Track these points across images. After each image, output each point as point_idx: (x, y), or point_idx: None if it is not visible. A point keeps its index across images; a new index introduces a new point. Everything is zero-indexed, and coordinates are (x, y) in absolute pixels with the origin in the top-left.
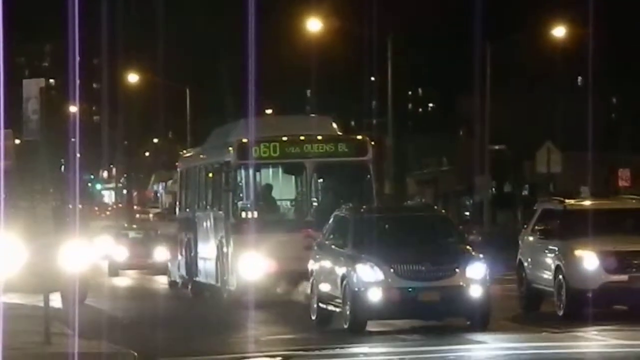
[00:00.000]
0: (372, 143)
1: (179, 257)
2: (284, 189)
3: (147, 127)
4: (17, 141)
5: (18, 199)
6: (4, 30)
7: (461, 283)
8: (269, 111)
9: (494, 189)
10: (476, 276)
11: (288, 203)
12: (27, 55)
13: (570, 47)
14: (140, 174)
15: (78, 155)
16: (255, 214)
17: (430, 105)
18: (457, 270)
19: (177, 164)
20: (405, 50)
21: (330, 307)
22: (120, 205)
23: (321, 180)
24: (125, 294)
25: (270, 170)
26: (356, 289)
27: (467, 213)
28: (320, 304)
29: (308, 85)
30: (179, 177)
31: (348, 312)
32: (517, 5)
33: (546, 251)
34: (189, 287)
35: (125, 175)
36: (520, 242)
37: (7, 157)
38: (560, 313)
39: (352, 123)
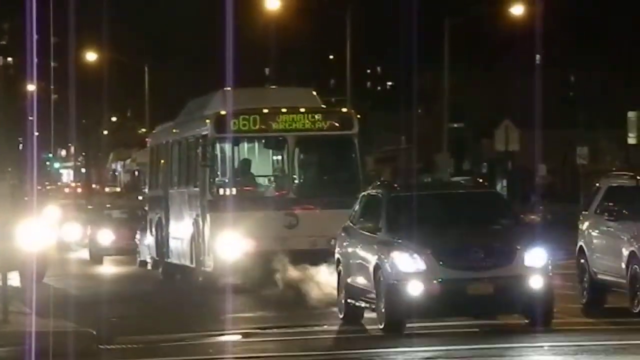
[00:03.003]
0: (358, 116)
1: (149, 237)
2: (264, 164)
3: (106, 106)
4: None
5: None
6: None
7: (519, 273)
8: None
9: (452, 167)
10: (536, 264)
11: (269, 179)
12: None
13: (529, 25)
14: (99, 152)
15: (36, 133)
16: (234, 190)
17: (389, 83)
18: (513, 257)
19: (147, 139)
20: (364, 27)
21: (362, 304)
22: (78, 184)
23: (304, 155)
24: (91, 274)
25: (250, 144)
26: (392, 282)
27: None
28: (349, 300)
29: (266, 63)
30: (149, 153)
31: (383, 310)
32: None
33: (616, 236)
34: (160, 268)
35: (83, 154)
36: (580, 226)
37: None
38: (637, 309)
39: None
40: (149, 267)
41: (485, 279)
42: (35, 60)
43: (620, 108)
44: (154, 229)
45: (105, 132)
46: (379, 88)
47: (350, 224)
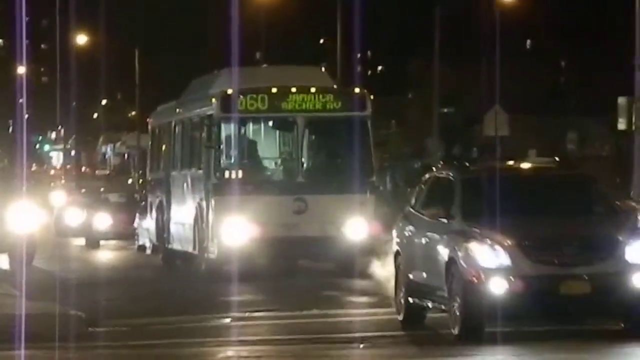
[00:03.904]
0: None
1: (149, 220)
2: (272, 146)
3: (96, 89)
4: None
5: None
6: None
7: (621, 269)
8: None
9: (443, 152)
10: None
11: (277, 162)
12: None
13: (519, 10)
14: (89, 135)
15: (26, 116)
16: (240, 173)
17: (380, 67)
18: (614, 251)
19: (148, 120)
20: (355, 12)
21: (428, 303)
22: (68, 166)
23: (314, 137)
24: (86, 258)
25: (258, 125)
26: (470, 278)
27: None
28: (411, 299)
29: (257, 47)
30: (150, 134)
31: (457, 312)
32: None
33: None
34: (160, 254)
35: (73, 136)
36: None
37: None
38: None
39: None
40: (148, 251)
41: (581, 276)
42: (25, 42)
43: (611, 93)
44: (154, 213)
45: (96, 115)
46: (369, 72)
47: (412, 210)
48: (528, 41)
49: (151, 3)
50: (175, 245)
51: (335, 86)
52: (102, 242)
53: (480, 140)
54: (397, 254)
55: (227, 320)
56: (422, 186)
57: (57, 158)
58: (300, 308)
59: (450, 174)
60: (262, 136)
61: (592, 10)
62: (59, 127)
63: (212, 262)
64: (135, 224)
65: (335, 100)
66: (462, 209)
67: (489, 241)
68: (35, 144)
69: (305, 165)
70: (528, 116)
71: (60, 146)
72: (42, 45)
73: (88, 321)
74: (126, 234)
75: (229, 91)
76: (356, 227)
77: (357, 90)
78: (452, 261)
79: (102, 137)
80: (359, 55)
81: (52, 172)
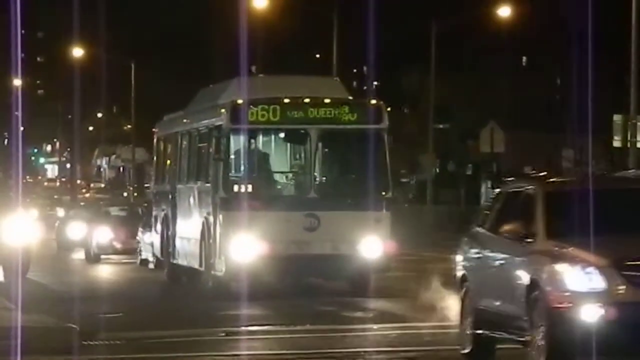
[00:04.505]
0: (388, 109)
1: (153, 234)
2: (283, 159)
3: (92, 102)
4: None
5: None
6: None
7: None
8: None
9: (437, 169)
10: None
11: (288, 176)
12: None
13: (515, 27)
14: (84, 148)
15: (21, 128)
16: (250, 187)
17: (375, 83)
18: None
19: (153, 130)
20: (351, 27)
21: (502, 335)
22: (63, 179)
23: (327, 150)
24: (85, 272)
25: (268, 137)
26: (557, 305)
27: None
28: (480, 330)
29: (253, 62)
30: (155, 145)
31: (541, 343)
32: None
33: None
34: (165, 270)
35: (68, 149)
36: None
37: None
38: None
39: None
40: (151, 265)
41: None
42: (20, 55)
43: (607, 111)
44: (159, 227)
45: (91, 128)
46: (364, 88)
47: (481, 230)
48: (524, 58)
49: (148, 18)
50: (181, 261)
51: (350, 97)
52: (102, 256)
53: (475, 156)
54: (462, 279)
55: (222, 334)
56: (492, 203)
57: (51, 170)
58: (295, 323)
59: (530, 187)
60: (273, 149)
61: (587, 27)
62: (54, 140)
63: (219, 280)
64: (138, 238)
65: (350, 112)
66: (546, 226)
67: (580, 262)
68: (31, 157)
69: (317, 179)
70: (523, 133)
71: (56, 158)
72: (38, 58)
73: (83, 334)
74: (127, 248)
75: (239, 101)
76: (371, 245)
77: (373, 101)
78: (534, 285)
79: (97, 150)
80: (354, 70)
81: (46, 183)
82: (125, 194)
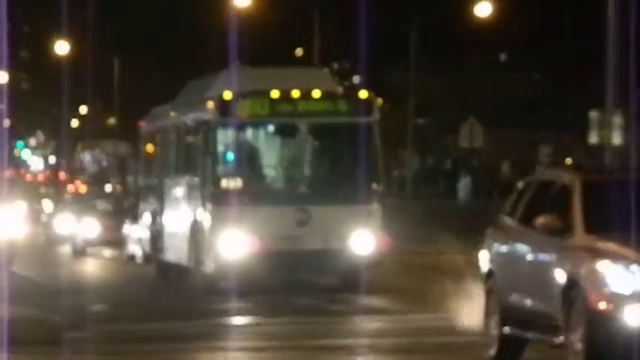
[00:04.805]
0: (379, 101)
1: (140, 229)
2: (273, 153)
3: (76, 96)
4: None
5: None
6: None
7: None
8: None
9: (417, 164)
10: None
11: (278, 170)
12: None
13: (494, 22)
14: (69, 142)
15: (7, 122)
16: (239, 182)
17: (357, 78)
18: None
19: (140, 123)
20: (333, 23)
21: (533, 336)
22: (48, 172)
23: (318, 143)
24: (71, 265)
25: (258, 130)
26: (597, 306)
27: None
28: (508, 329)
29: (238, 56)
30: (141, 138)
31: (579, 347)
32: None
33: None
34: (154, 265)
35: (53, 143)
36: None
37: None
38: None
39: None
40: (139, 260)
41: None
42: (5, 49)
43: (584, 107)
44: (147, 222)
45: (75, 122)
46: (346, 83)
47: (509, 221)
48: (501, 54)
49: (132, 13)
50: (169, 256)
51: (340, 89)
52: (89, 249)
53: (454, 151)
54: (488, 274)
55: (207, 326)
56: (521, 193)
57: (35, 164)
58: (277, 316)
59: (566, 177)
60: (263, 142)
61: (566, 24)
62: (38, 132)
63: (208, 276)
64: (125, 232)
65: (341, 105)
66: (585, 220)
67: (624, 260)
68: (14, 150)
69: (308, 173)
70: (502, 129)
71: (40, 152)
72: (23, 53)
73: (68, 326)
74: (113, 241)
75: (227, 94)
76: (362, 239)
77: (363, 93)
78: (572, 284)
79: (80, 145)
80: (335, 65)
81: (28, 177)
82: (108, 188)
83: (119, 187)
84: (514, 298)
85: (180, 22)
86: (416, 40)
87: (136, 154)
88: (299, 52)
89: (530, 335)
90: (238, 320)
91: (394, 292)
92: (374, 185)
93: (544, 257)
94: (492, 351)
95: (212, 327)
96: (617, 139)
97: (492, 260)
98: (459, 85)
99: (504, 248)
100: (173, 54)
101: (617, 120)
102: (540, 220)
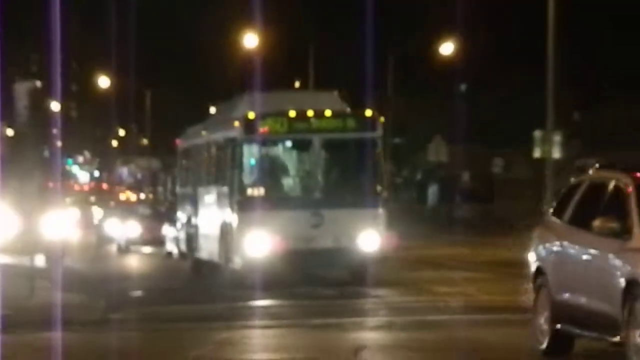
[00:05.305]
0: (382, 119)
1: (179, 231)
2: (291, 165)
3: (115, 121)
4: (10, 132)
5: (12, 177)
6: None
7: None
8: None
9: (395, 176)
10: None
11: (295, 179)
12: (17, 63)
13: (457, 59)
14: (110, 158)
15: (59, 143)
16: (262, 190)
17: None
18: None
19: (176, 141)
20: (325, 57)
21: (588, 332)
22: (93, 184)
23: (329, 156)
24: (117, 260)
25: (278, 145)
26: None
27: None
28: (559, 325)
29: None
30: (178, 155)
31: None
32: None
33: None
34: (189, 262)
35: (97, 160)
36: None
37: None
38: None
39: None
40: (174, 257)
41: None
42: (59, 83)
43: (529, 127)
44: (184, 225)
45: (115, 143)
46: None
47: (558, 221)
48: (462, 85)
49: (160, 53)
50: (202, 255)
51: (348, 109)
52: (132, 248)
53: (424, 164)
54: (538, 272)
55: (232, 308)
56: (569, 193)
57: (83, 177)
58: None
59: (621, 179)
60: (282, 156)
61: (514, 61)
62: (85, 152)
63: (236, 271)
64: (164, 233)
65: (349, 122)
66: None
67: None
68: (66, 166)
69: (321, 182)
70: (463, 145)
71: (86, 167)
72: (72, 86)
73: (109, 309)
74: (152, 240)
75: (251, 114)
76: (369, 239)
77: (368, 112)
78: (632, 284)
79: (119, 161)
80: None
81: (77, 187)
82: (142, 196)
83: (151, 196)
84: (567, 296)
85: (200, 59)
86: (394, 70)
87: (165, 168)
88: (297, 84)
89: (586, 332)
90: (259, 303)
91: (395, 282)
92: (379, 191)
93: (601, 258)
94: (544, 345)
95: (237, 310)
96: (557, 153)
97: (541, 259)
98: (428, 110)
99: (555, 248)
100: (193, 86)
101: (557, 138)
102: (598, 222)
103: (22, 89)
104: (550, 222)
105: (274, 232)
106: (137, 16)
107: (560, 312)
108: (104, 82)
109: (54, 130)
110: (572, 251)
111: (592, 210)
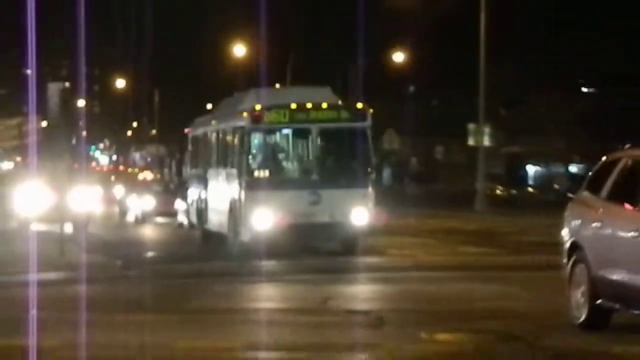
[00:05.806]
0: (371, 110)
1: (190, 205)
2: (291, 150)
3: (130, 115)
4: (45, 124)
5: (46, 160)
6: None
7: None
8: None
9: None
10: None
11: (295, 163)
12: (50, 67)
13: (407, 64)
14: (125, 146)
15: (84, 133)
16: (266, 172)
17: None
18: None
19: (185, 130)
20: (302, 65)
21: (630, 309)
22: (112, 166)
23: (325, 143)
24: (134, 228)
25: (280, 134)
26: None
27: None
28: (600, 301)
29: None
30: (189, 141)
31: None
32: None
33: None
34: (199, 232)
35: (115, 147)
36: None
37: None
38: None
39: None
40: (185, 227)
41: None
42: (84, 85)
43: (464, 119)
44: (194, 200)
45: (129, 133)
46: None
47: (594, 197)
48: (411, 87)
49: (167, 55)
50: (211, 226)
51: (341, 102)
52: (147, 219)
53: (379, 151)
54: (574, 246)
55: (237, 267)
56: (605, 169)
57: (103, 160)
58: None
59: None
60: (284, 142)
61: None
62: (105, 140)
63: (243, 243)
64: (176, 206)
65: (343, 113)
66: None
67: None
68: (90, 151)
69: (318, 165)
70: (412, 137)
71: (106, 153)
72: (95, 87)
73: (125, 267)
74: (164, 212)
75: (258, 106)
76: (360, 214)
77: (359, 104)
78: None
79: (132, 147)
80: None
81: (98, 168)
82: (151, 177)
83: (159, 176)
84: (608, 272)
85: (199, 65)
86: (356, 77)
87: (170, 153)
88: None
89: (629, 309)
90: (263, 262)
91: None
92: (368, 173)
93: (635, 234)
94: (582, 318)
95: (241, 267)
96: (487, 142)
97: (577, 235)
98: (383, 107)
99: (592, 224)
100: (193, 86)
101: (487, 129)
102: (622, 197)
103: (54, 89)
104: (586, 198)
105: (277, 209)
106: (148, 29)
107: (601, 288)
108: (120, 83)
109: (80, 123)
110: (613, 228)
111: (633, 187)
